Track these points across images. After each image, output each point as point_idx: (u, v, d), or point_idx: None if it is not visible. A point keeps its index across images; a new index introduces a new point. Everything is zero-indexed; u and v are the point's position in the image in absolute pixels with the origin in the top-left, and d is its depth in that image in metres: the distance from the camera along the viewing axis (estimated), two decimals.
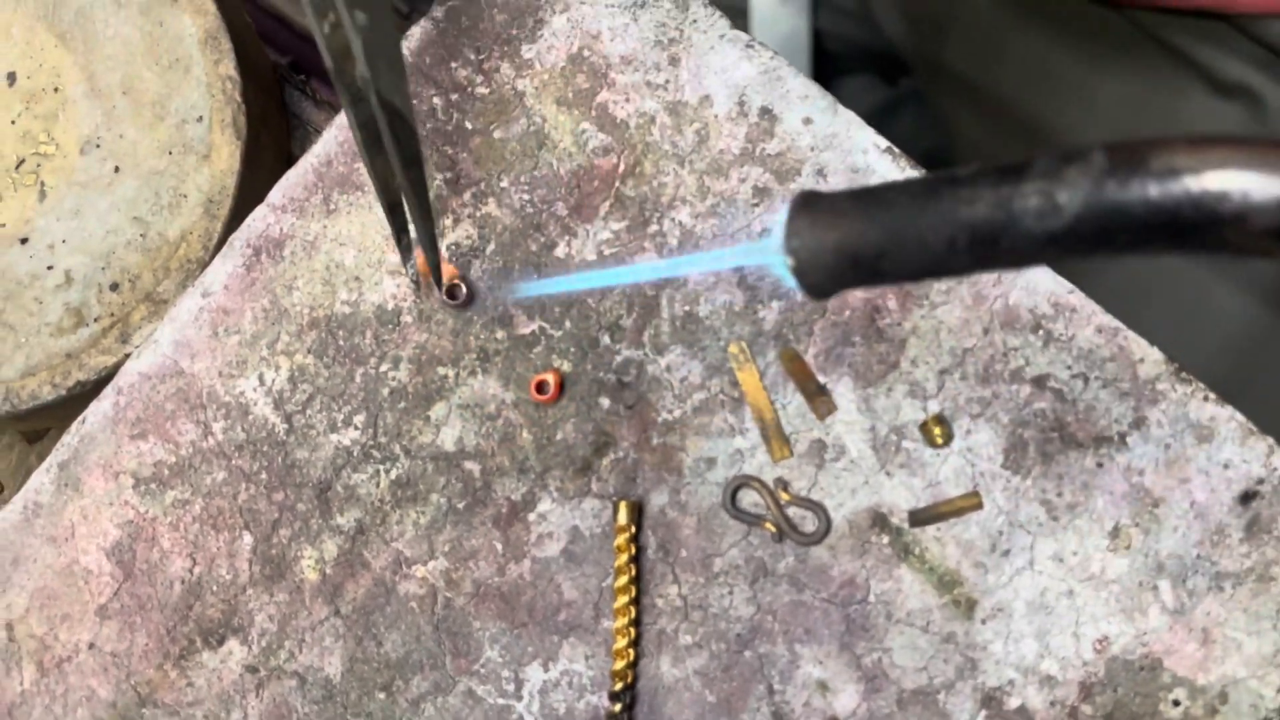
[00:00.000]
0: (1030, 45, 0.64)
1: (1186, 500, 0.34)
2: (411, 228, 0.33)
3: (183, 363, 0.37)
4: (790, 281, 0.24)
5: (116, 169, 0.40)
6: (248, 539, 0.37)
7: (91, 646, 0.36)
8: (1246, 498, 0.34)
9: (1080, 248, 0.21)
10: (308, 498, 0.36)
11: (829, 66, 0.82)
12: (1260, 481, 0.34)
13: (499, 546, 0.36)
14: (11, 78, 0.41)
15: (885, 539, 0.35)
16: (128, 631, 0.36)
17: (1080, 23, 0.61)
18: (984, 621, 0.35)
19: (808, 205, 0.23)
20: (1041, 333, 0.36)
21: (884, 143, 0.36)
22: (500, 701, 0.35)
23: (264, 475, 0.37)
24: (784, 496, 0.35)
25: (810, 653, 0.35)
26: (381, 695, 0.36)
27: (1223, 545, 0.34)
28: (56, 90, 0.41)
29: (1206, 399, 0.35)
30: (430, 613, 0.36)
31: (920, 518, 0.35)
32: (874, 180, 0.36)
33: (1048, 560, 0.35)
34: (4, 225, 0.40)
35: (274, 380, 0.37)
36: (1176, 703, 0.34)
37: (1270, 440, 0.34)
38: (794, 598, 0.35)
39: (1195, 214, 0.19)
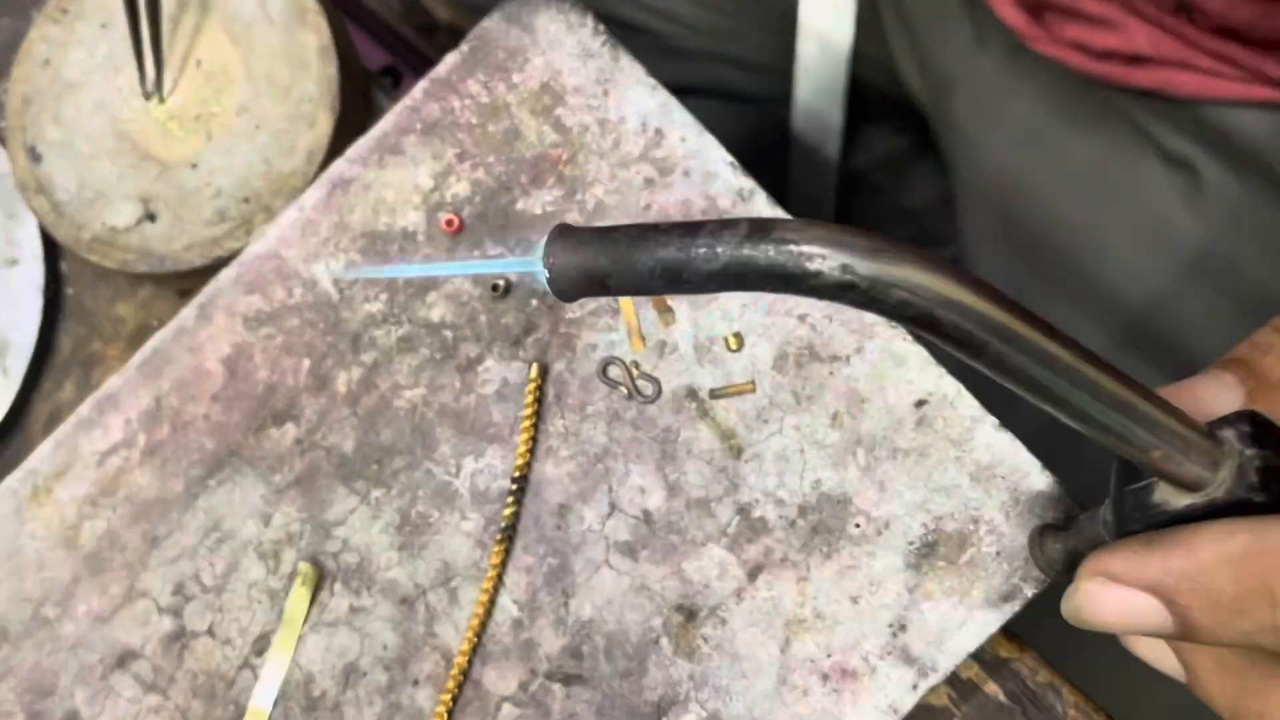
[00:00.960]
0: (1021, 108, 0.83)
1: (882, 400, 0.57)
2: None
3: (280, 249, 0.64)
4: (546, 287, 0.33)
5: (257, 127, 0.67)
6: (306, 362, 0.62)
7: (206, 417, 0.62)
8: (920, 403, 0.57)
9: (730, 284, 0.31)
10: (346, 342, 0.62)
11: (860, 113, 0.97)
12: (930, 394, 0.57)
13: (457, 385, 0.61)
14: (199, 62, 0.68)
15: (693, 405, 0.59)
16: (227, 411, 0.62)
17: (1064, 93, 0.73)
18: (746, 462, 0.58)
19: (562, 234, 0.33)
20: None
21: (729, 158, 0.60)
22: (446, 478, 0.60)
23: (320, 325, 0.62)
24: (635, 372, 0.60)
25: (637, 469, 0.59)
26: (375, 466, 0.61)
27: (900, 431, 0.57)
28: (225, 74, 0.68)
29: (904, 340, 0.58)
30: (411, 420, 0.61)
31: (716, 394, 0.59)
32: (719, 180, 0.60)
33: (791, 429, 0.58)
34: (183, 157, 0.67)
35: (334, 267, 0.63)
36: (858, 525, 0.57)
37: (942, 369, 0.57)
38: (632, 435, 0.59)
39: (793, 269, 0.30)
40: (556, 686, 0.57)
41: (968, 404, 0.56)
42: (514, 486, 0.58)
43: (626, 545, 0.57)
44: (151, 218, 0.66)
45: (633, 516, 0.57)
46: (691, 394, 0.58)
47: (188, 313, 0.63)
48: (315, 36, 0.66)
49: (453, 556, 0.58)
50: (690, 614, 0.57)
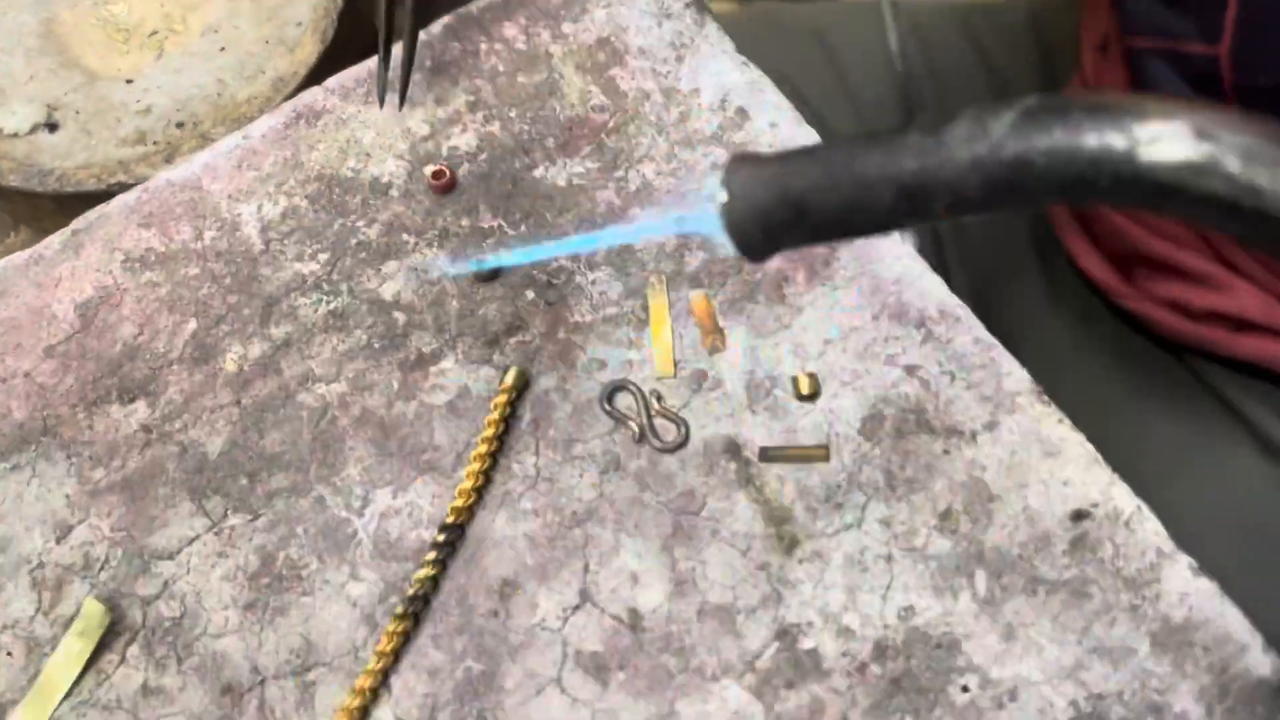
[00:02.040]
0: (1096, 374, 0.74)
1: (1020, 503, 0.41)
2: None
3: (204, 180, 0.51)
4: (726, 242, 0.29)
5: (222, 48, 0.56)
6: (192, 325, 0.47)
7: (27, 375, 0.47)
8: (1079, 516, 0.40)
9: (1010, 195, 0.25)
10: (255, 306, 0.47)
11: None
12: (1095, 505, 0.40)
13: (395, 384, 0.45)
14: None
15: (733, 465, 0.43)
16: (61, 371, 0.47)
17: (1148, 360, 0.67)
18: (800, 561, 0.41)
19: (744, 159, 0.29)
20: (923, 330, 0.44)
21: None
22: (343, 514, 0.43)
23: (228, 279, 0.48)
24: (655, 406, 0.44)
25: (633, 545, 0.41)
26: (244, 480, 0.44)
27: (1046, 552, 0.40)
28: None
29: (1061, 422, 0.42)
30: (315, 424, 0.45)
31: (770, 455, 0.42)
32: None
33: (875, 522, 0.41)
34: (119, 71, 0.56)
35: (268, 211, 0.49)
36: (965, 689, 0.38)
37: (1114, 474, 0.41)
38: (634, 494, 0.42)
39: (1122, 159, 0.24)
40: None
41: (1152, 529, 0.40)
42: (440, 538, 0.41)
43: (594, 660, 0.39)
44: (52, 127, 0.54)
45: (612, 616, 0.40)
46: (732, 449, 0.42)
47: (53, 238, 0.49)
48: None
49: (322, 632, 0.40)
50: None
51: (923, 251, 0.68)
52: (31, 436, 0.44)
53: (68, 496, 0.43)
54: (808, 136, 0.48)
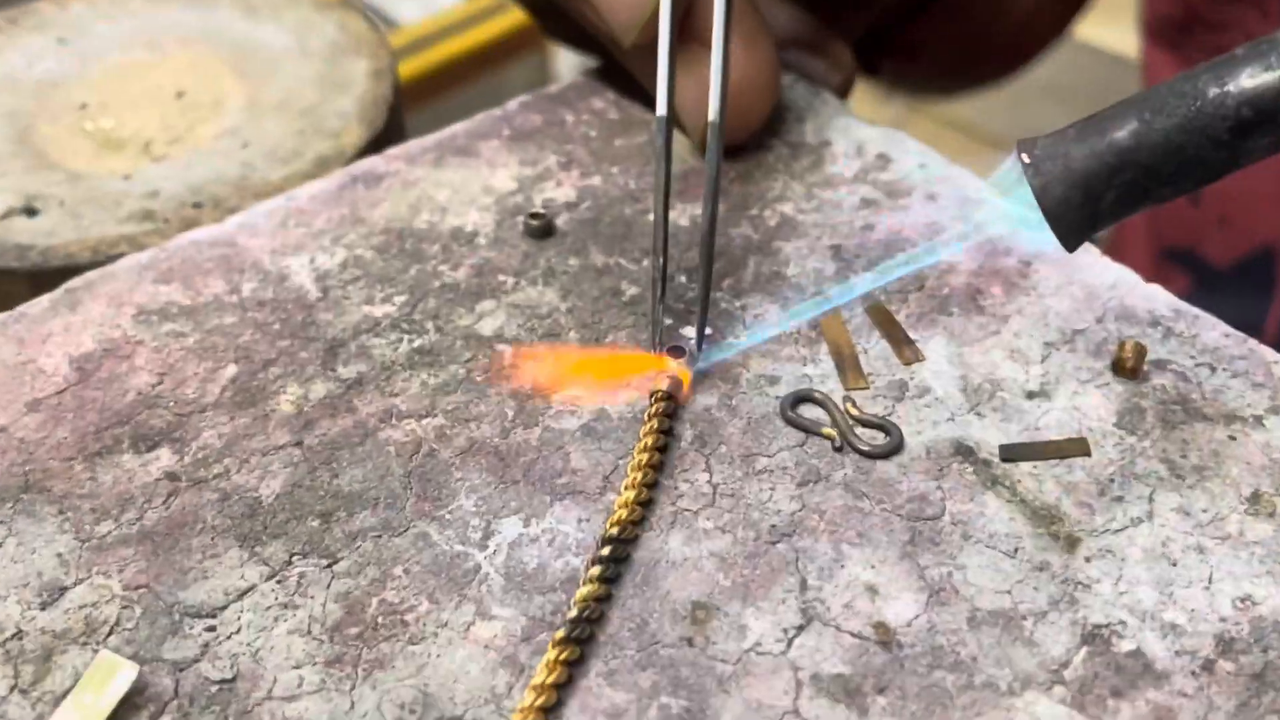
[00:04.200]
0: None
1: None
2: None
3: (240, 238, 0.50)
4: (1032, 228, 0.32)
5: (245, 145, 0.58)
6: (231, 370, 0.44)
7: (3, 430, 0.43)
8: None
9: None
10: (315, 350, 0.45)
11: None
12: None
13: (510, 413, 0.42)
14: (180, 94, 0.63)
15: (969, 467, 0.40)
16: (51, 424, 0.42)
17: None
18: (1088, 560, 0.37)
19: (1043, 137, 0.32)
20: (1161, 328, 0.45)
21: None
22: (458, 548, 0.38)
23: (276, 325, 0.46)
24: (852, 411, 0.42)
25: (861, 555, 0.37)
26: (315, 522, 0.39)
27: None
28: (213, 104, 0.62)
29: None
30: (408, 458, 0.41)
31: (1014, 453, 0.40)
32: (987, 206, 0.50)
33: (1171, 513, 0.38)
34: (113, 171, 0.58)
35: (325, 262, 0.48)
36: None
37: None
38: (849, 503, 0.39)
39: None
40: None
41: None
42: (605, 551, 0.37)
43: (842, 684, 0.34)
44: (30, 212, 0.54)
45: (853, 634, 0.35)
46: (964, 451, 0.40)
47: (41, 297, 0.47)
48: (369, 62, 0.61)
49: (444, 682, 0.35)
50: None
51: None
52: (7, 495, 0.40)
53: (59, 555, 0.38)
54: (960, 172, 0.51)
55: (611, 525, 0.37)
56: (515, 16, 1.33)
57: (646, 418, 0.40)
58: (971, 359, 0.42)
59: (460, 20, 1.42)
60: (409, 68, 1.30)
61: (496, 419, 0.41)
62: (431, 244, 0.47)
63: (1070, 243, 0.33)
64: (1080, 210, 0.32)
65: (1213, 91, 0.31)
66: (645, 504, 0.38)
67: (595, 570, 0.35)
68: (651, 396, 0.40)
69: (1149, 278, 0.45)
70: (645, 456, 0.38)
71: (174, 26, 0.63)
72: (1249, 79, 0.30)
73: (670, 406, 0.40)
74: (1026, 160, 0.34)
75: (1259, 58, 0.30)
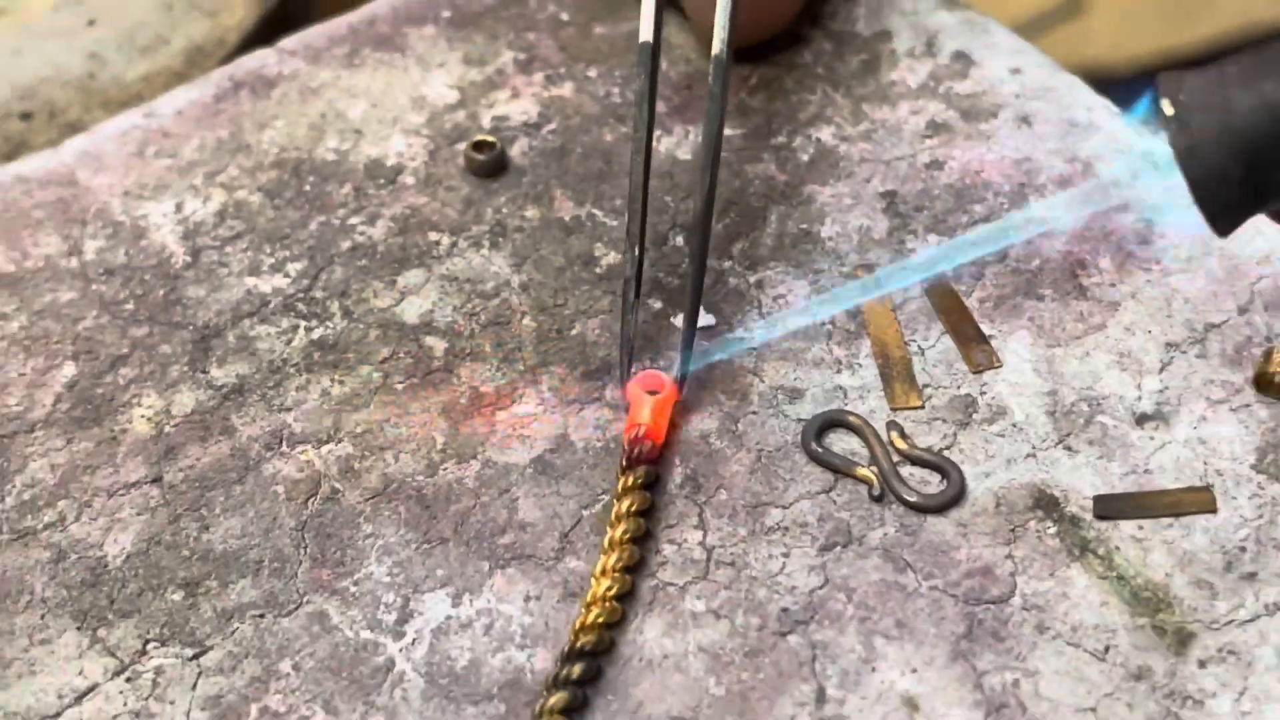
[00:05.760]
0: None
1: None
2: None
3: (81, 174, 0.46)
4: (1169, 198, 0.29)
5: (91, 22, 0.56)
6: (69, 370, 0.43)
7: None
8: None
9: None
10: (180, 340, 0.43)
11: None
12: None
13: (439, 439, 0.41)
14: None
15: (1051, 527, 0.39)
16: None
17: None
18: (1203, 665, 0.36)
19: (1183, 75, 0.30)
20: None
21: (1114, 107, 0.49)
22: (365, 635, 0.37)
23: (130, 305, 0.44)
24: (898, 444, 0.41)
25: (899, 654, 0.36)
26: (176, 595, 0.38)
27: None
28: None
29: None
30: (301, 503, 0.40)
31: (1113, 507, 0.39)
32: (1096, 138, 0.48)
33: None
34: None
35: (196, 210, 0.45)
36: None
37: None
38: (886, 577, 0.38)
39: None
40: None
41: None
42: (574, 669, 0.36)
43: None
44: None
45: None
46: (1047, 503, 0.39)
47: None
48: None
49: None
50: None
51: None
52: None
53: None
54: (1069, 84, 0.49)
55: (581, 631, 0.36)
56: None
57: (621, 488, 0.39)
58: (1065, 366, 0.40)
59: None
60: None
61: (422, 447, 0.40)
62: (340, 184, 0.45)
63: (1222, 226, 0.30)
64: (1241, 186, 0.30)
65: None
66: (623, 585, 0.37)
67: (556, 699, 0.35)
68: (626, 461, 0.39)
69: None
70: (628, 506, 0.37)
71: None
72: None
73: (652, 476, 0.39)
74: (1170, 109, 0.32)
75: None
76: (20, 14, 0.52)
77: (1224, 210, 0.32)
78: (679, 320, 0.42)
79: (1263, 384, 0.39)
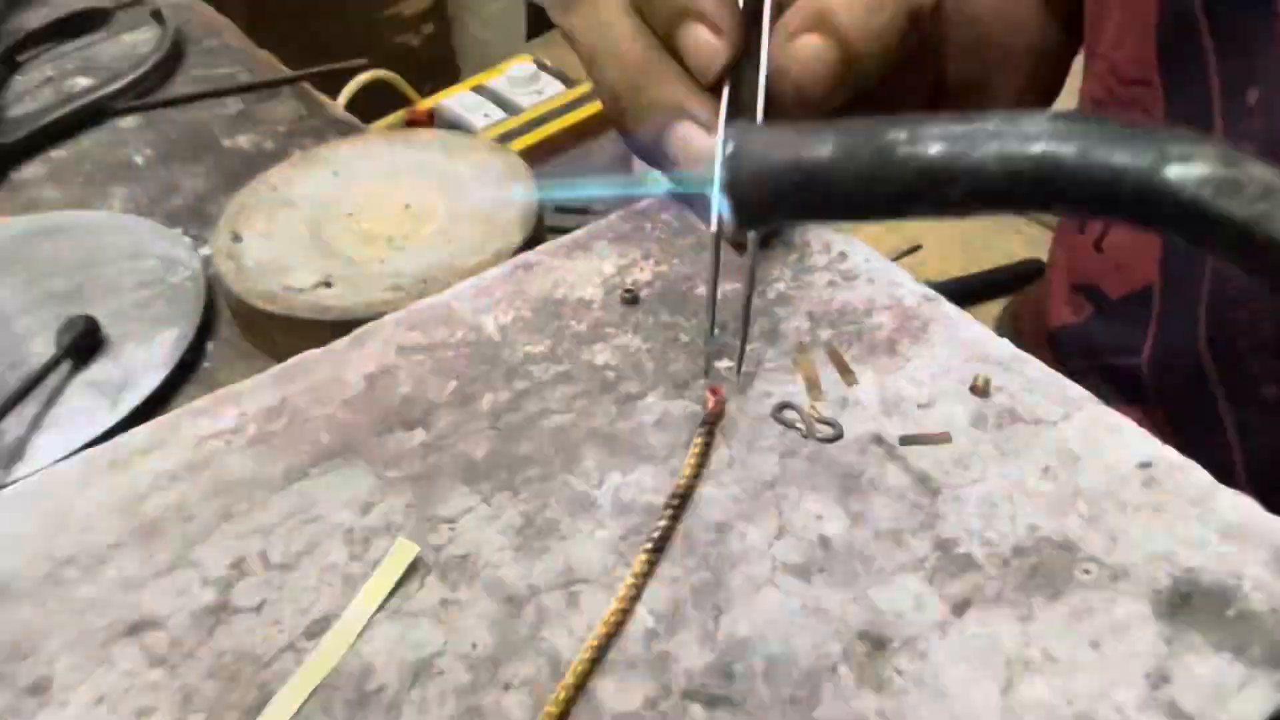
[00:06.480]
0: None
1: (1099, 460, 0.54)
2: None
3: (452, 303, 0.67)
4: (715, 205, 0.31)
5: (449, 241, 0.75)
6: (453, 383, 0.61)
7: (330, 417, 0.59)
8: (1144, 465, 0.53)
9: (1029, 196, 0.25)
10: (499, 373, 0.62)
11: None
12: (1154, 459, 0.53)
13: (614, 410, 0.58)
14: (407, 206, 0.79)
15: (880, 449, 0.55)
16: (354, 414, 0.60)
17: None
18: (944, 502, 0.52)
19: (754, 126, 0.28)
20: (1002, 366, 0.60)
21: (910, 277, 0.66)
22: (584, 488, 0.54)
23: (475, 358, 0.63)
24: (816, 413, 0.57)
25: (814, 498, 0.53)
26: (504, 473, 0.55)
27: (1127, 487, 0.52)
28: (429, 213, 0.79)
29: (1118, 416, 0.56)
30: (555, 438, 0.57)
31: (907, 440, 0.55)
32: (903, 288, 0.64)
33: (996, 477, 0.53)
34: (371, 257, 0.74)
35: (503, 318, 0.65)
36: (1088, 571, 0.48)
37: (1163, 443, 0.54)
38: (808, 469, 0.54)
39: (1145, 175, 0.24)
40: (696, 708, 0.45)
41: (1199, 474, 0.53)
42: (675, 501, 0.52)
43: (798, 567, 0.50)
44: (327, 285, 0.71)
45: (806, 540, 0.50)
46: (878, 440, 0.55)
47: (341, 341, 0.64)
48: (523, 185, 0.78)
49: (579, 562, 0.51)
50: (879, 643, 0.47)
51: None
52: (336, 453, 0.57)
53: (368, 487, 0.55)
54: (895, 269, 0.66)
55: (682, 479, 0.51)
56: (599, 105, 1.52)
57: (708, 406, 0.54)
58: (888, 382, 0.56)
59: (560, 105, 1.61)
60: (523, 141, 1.51)
61: (605, 415, 0.56)
62: (565, 308, 0.62)
63: (745, 226, 0.30)
64: (762, 210, 0.28)
65: (905, 144, 0.26)
66: (698, 466, 0.52)
67: (667, 511, 0.50)
68: (705, 407, 0.55)
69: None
70: (703, 432, 0.52)
71: (404, 162, 0.80)
72: (936, 143, 0.26)
73: (719, 411, 0.55)
74: (730, 152, 0.28)
75: (944, 128, 0.26)
76: (416, 239, 0.69)
77: (748, 216, 0.29)
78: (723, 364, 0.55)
79: (975, 390, 0.52)
